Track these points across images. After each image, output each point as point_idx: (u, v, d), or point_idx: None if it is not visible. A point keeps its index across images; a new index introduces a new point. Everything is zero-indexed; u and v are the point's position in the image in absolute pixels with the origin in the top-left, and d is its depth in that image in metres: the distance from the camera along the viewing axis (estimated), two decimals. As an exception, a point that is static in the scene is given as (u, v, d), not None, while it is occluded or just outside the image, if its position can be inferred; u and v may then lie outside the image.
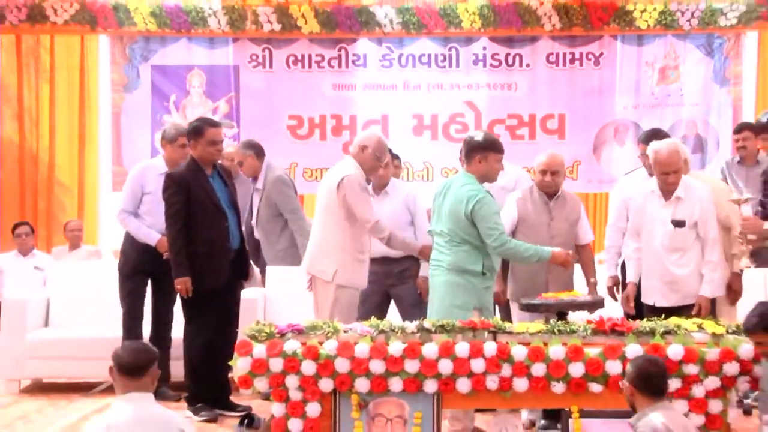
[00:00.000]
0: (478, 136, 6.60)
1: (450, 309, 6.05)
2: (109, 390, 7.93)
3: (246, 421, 6.50)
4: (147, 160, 7.99)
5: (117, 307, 8.15)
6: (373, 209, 6.88)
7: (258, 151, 8.57)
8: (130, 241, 7.76)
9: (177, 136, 7.70)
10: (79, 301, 8.35)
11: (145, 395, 4.49)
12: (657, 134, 7.27)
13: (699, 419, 5.17)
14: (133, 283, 7.74)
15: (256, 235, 8.55)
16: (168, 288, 7.31)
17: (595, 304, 6.19)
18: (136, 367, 4.50)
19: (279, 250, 8.44)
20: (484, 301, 6.30)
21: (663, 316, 5.72)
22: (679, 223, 6.48)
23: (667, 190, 6.57)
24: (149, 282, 7.79)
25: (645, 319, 5.71)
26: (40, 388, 8.16)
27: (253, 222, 8.50)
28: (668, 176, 6.54)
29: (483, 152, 6.41)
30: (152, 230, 7.57)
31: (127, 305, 7.73)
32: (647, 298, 6.67)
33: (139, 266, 7.71)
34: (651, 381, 4.68)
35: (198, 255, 6.99)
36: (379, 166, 7.16)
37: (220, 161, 7.47)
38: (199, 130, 7.11)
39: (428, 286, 6.71)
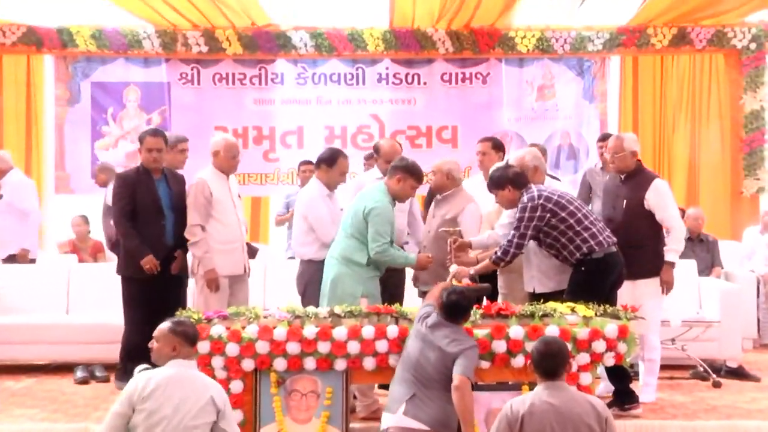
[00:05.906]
0: (408, 161, 6.40)
1: (341, 297, 5.91)
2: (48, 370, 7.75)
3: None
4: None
5: (57, 295, 8.15)
6: (199, 216, 6.70)
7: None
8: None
9: (177, 143, 7.46)
10: (24, 289, 8.12)
11: (189, 363, 4.55)
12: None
13: (572, 390, 5.20)
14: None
15: None
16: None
17: (481, 291, 6.19)
18: (193, 337, 4.66)
19: None
20: (370, 288, 6.13)
21: (542, 300, 5.76)
22: None
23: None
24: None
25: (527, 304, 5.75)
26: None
27: None
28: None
29: (404, 174, 6.25)
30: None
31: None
32: (528, 287, 6.44)
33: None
34: (541, 362, 4.43)
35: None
36: (236, 163, 7.02)
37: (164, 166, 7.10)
38: (140, 139, 7.01)
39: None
